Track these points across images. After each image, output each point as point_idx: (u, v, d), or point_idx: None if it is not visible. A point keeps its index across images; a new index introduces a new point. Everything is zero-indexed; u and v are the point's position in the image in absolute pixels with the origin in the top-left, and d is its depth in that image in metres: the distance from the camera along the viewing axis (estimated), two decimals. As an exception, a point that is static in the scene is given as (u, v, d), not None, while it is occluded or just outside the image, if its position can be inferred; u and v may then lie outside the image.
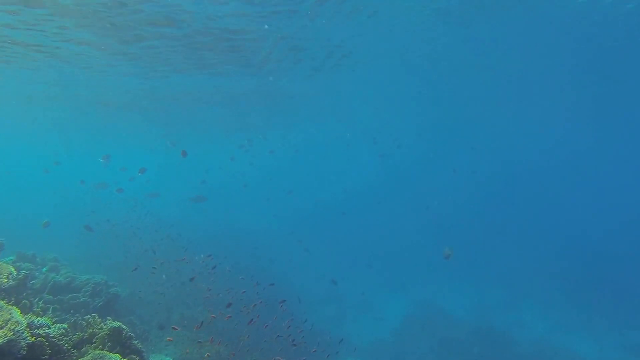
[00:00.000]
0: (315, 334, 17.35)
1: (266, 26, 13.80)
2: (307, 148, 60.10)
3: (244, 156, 37.01)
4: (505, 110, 36.27)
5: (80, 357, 6.65)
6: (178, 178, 61.14)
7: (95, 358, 6.54)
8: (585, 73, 23.97)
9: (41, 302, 11.01)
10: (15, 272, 8.78)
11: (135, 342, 7.69)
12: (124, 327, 7.63)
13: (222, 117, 35.84)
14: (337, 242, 37.45)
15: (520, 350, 20.64)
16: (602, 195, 55.42)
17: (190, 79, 21.98)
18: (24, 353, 5.24)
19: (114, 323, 7.66)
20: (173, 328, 10.97)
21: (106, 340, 7.40)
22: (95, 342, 7.35)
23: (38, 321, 6.27)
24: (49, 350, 6.00)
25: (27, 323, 5.80)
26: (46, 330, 6.24)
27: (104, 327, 7.61)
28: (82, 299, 12.12)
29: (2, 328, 5.22)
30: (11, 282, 8.53)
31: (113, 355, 6.66)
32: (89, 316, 8.15)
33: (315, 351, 12.16)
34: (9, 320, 5.25)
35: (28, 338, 5.38)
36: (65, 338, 6.81)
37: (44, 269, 13.82)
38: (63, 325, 7.41)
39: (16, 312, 5.54)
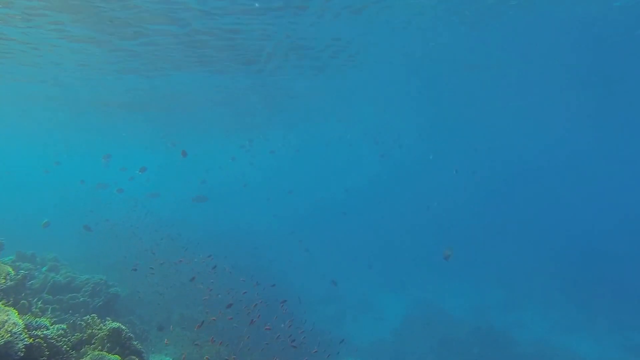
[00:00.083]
0: (315, 334, 17.34)
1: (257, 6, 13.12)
2: (308, 148, 60.06)
3: (245, 156, 37.03)
4: (505, 110, 36.21)
5: (79, 358, 6.62)
6: (178, 178, 61.21)
7: (94, 359, 6.51)
8: (585, 73, 23.93)
9: (40, 302, 10.98)
10: (13, 273, 8.75)
11: (135, 342, 7.64)
12: (123, 327, 7.58)
13: (222, 116, 35.79)
14: (337, 242, 37.46)
15: (520, 350, 20.60)
16: (602, 195, 55.41)
17: (191, 77, 21.94)
18: (22, 355, 5.19)
19: (113, 324, 7.61)
20: (172, 329, 10.94)
21: (105, 341, 7.36)
22: (94, 343, 7.30)
23: (36, 322, 6.24)
24: (47, 351, 5.95)
25: (25, 324, 5.76)
26: (44, 332, 6.20)
27: (103, 327, 7.57)
28: (81, 299, 12.09)
29: (-1, 329, 5.17)
30: (9, 283, 8.50)
31: (112, 356, 6.63)
32: (88, 317, 8.10)
33: (316, 351, 12.12)
34: (6, 321, 5.20)
35: (26, 339, 5.34)
36: (63, 339, 6.78)
37: (44, 269, 13.78)
38: (62, 326, 7.38)
39: (13, 314, 5.49)
